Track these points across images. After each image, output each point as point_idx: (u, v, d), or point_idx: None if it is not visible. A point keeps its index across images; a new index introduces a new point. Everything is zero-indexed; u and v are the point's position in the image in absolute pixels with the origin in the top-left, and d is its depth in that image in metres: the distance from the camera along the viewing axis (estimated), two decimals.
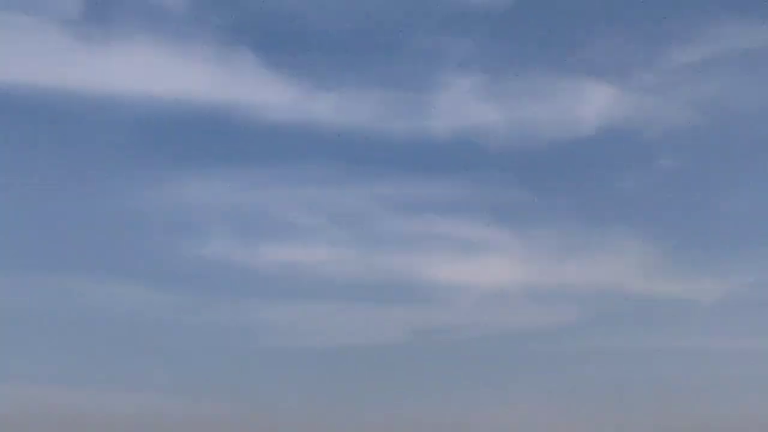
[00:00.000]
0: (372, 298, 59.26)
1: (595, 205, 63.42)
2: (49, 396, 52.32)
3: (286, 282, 60.80)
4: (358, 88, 63.31)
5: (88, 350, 58.13)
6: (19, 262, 62.24)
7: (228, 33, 62.36)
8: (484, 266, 61.52)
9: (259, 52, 60.77)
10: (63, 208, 65.06)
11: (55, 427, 47.29)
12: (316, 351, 57.12)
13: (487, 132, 64.08)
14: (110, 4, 63.60)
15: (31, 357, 56.38)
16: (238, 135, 62.58)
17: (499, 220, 63.80)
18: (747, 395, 52.47)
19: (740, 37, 62.18)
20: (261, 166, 62.50)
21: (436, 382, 55.67)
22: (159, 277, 60.99)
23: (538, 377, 56.25)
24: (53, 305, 61.10)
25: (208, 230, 62.75)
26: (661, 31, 63.85)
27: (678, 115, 62.52)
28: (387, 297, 59.51)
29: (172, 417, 51.07)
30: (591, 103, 62.84)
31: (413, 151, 63.25)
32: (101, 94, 62.32)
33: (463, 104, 63.02)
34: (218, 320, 59.65)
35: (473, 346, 58.38)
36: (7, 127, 64.13)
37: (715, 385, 53.63)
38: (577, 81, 63.17)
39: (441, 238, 61.40)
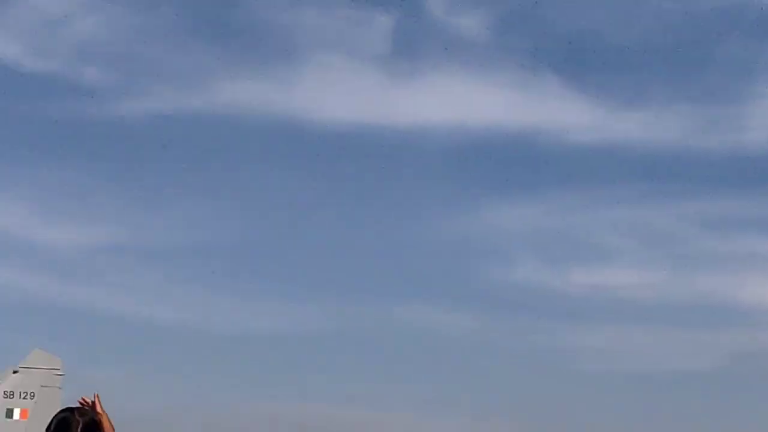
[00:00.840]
0: (685, 321, 57.79)
1: None
2: (376, 421, 54.62)
3: (597, 305, 60.42)
4: (666, 105, 61.89)
5: (406, 374, 60.32)
6: (341, 290, 65.63)
7: (529, 57, 62.66)
8: None
9: (561, 74, 60.76)
10: (380, 237, 67.99)
11: None
12: (631, 376, 56.31)
13: None
14: (416, 39, 65.65)
15: (354, 381, 59.27)
16: (544, 159, 62.76)
17: None
18: None
19: None
20: (568, 190, 62.40)
21: (757, 409, 53.37)
22: (470, 302, 62.44)
23: None
24: (374, 331, 63.97)
25: (517, 255, 63.35)
26: None
27: None
28: (701, 320, 57.85)
29: None
30: None
31: (726, 166, 61.06)
32: (412, 127, 64.59)
33: None
34: (530, 344, 60.12)
35: None
36: (328, 162, 67.88)
37: None
38: None
39: (758, 258, 58.93)
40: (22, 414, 30.65)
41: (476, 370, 59.23)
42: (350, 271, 66.42)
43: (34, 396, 30.82)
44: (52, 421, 6.71)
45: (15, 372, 31.23)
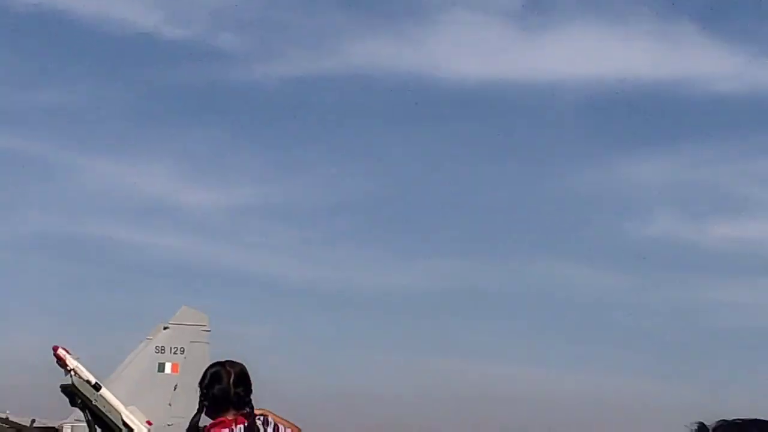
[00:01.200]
0: None
1: None
2: (503, 375, 54.91)
3: (737, 260, 59.27)
4: None
5: (538, 331, 60.25)
6: (475, 247, 65.70)
7: (666, 4, 61.35)
8: None
9: (699, 22, 59.17)
10: (514, 194, 67.70)
11: (506, 405, 49.69)
12: None
13: None
14: None
15: (491, 337, 59.53)
16: (683, 110, 61.59)
17: None
18: None
19: None
20: (707, 141, 61.21)
21: None
22: (604, 259, 61.84)
23: None
24: (509, 287, 63.90)
25: (654, 209, 62.51)
26: None
27: None
28: None
29: (618, 397, 51.81)
30: None
31: None
32: (545, 81, 63.96)
33: None
34: (666, 300, 59.44)
35: None
36: (461, 119, 67.74)
37: None
38: None
39: None
40: (173, 368, 31.91)
41: (612, 326, 58.90)
42: (484, 228, 66.44)
43: (183, 351, 32.03)
44: (205, 374, 7.01)
45: (165, 328, 32.48)
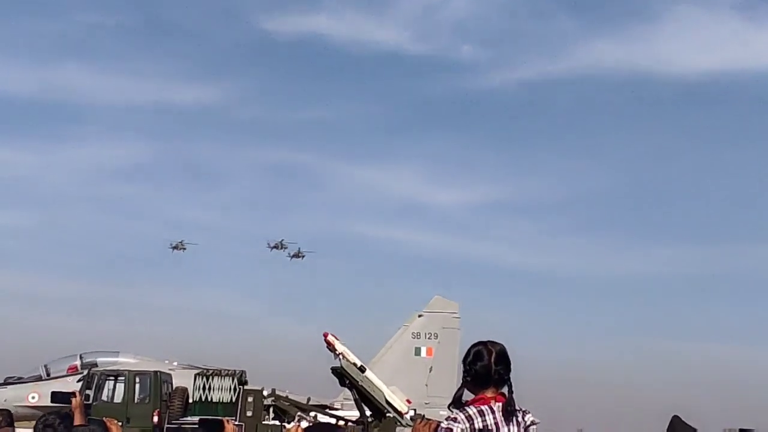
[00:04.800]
0: None
1: None
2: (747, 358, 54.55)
3: None
4: None
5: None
6: (706, 235, 65.41)
7: None
8: None
9: None
10: (744, 185, 66.80)
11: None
12: None
13: None
14: None
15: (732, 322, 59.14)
16: None
17: None
18: None
19: None
20: None
21: None
22: None
23: None
24: (745, 274, 63.22)
25: None
26: None
27: None
28: None
29: None
30: None
31: None
32: None
33: None
34: None
35: None
36: (691, 112, 67.47)
37: None
38: None
39: None
40: (428, 351, 33.94)
41: None
42: (712, 217, 66.14)
43: (437, 336, 34.01)
44: (468, 352, 7.06)
45: (420, 316, 34.57)
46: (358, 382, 25.52)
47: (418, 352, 33.89)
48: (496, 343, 7.06)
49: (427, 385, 32.72)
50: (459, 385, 7.06)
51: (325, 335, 25.49)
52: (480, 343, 7.05)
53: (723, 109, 66.43)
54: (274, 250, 53.13)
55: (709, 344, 59.38)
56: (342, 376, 25.55)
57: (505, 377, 6.97)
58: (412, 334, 34.27)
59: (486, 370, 6.92)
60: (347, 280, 68.84)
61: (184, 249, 53.79)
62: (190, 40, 75.30)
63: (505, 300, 66.67)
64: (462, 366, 7.07)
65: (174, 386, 26.99)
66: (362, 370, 25.74)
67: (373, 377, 26.05)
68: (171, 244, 53.74)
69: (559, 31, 71.00)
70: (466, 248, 69.29)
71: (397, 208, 72.92)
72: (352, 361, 25.60)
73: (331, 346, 25.41)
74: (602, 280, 66.50)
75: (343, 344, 25.59)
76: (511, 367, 7.02)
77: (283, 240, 52.79)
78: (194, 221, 69.72)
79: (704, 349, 57.96)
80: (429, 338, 34.01)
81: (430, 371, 33.40)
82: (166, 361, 31.18)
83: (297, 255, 52.93)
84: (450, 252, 69.72)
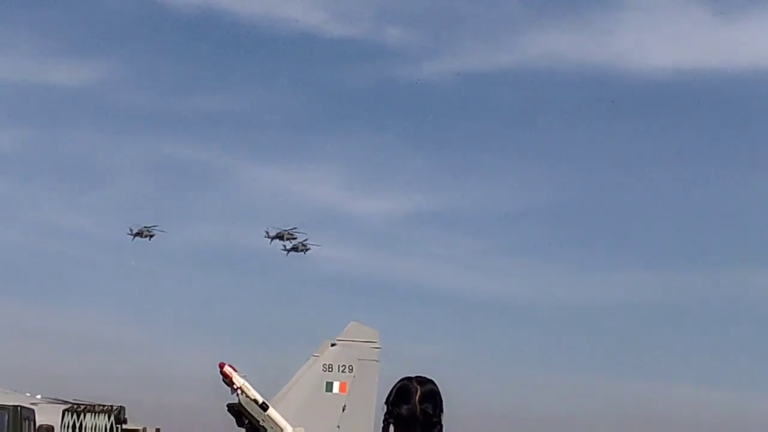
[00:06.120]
0: None
1: None
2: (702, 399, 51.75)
3: None
4: None
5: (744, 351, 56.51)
6: (677, 256, 62.11)
7: None
8: None
9: None
10: (718, 196, 63.69)
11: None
12: None
13: None
14: None
15: (690, 357, 56.29)
16: None
17: None
18: None
19: None
20: None
21: None
22: None
23: None
24: (717, 301, 60.13)
25: None
26: None
27: None
28: None
29: None
30: None
31: None
32: (751, 68, 59.99)
33: None
34: None
35: None
36: (654, 114, 64.13)
37: None
38: None
39: None
40: (341, 387, 31.40)
41: None
42: (686, 235, 62.67)
43: (352, 369, 31.50)
44: (391, 390, 6.68)
45: (333, 345, 32.04)
46: (258, 421, 23.48)
47: (329, 387, 31.21)
48: (424, 379, 6.64)
49: (339, 427, 30.48)
50: (381, 429, 6.62)
51: (221, 366, 23.35)
52: (406, 378, 6.66)
53: (691, 112, 63.24)
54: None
55: (658, 383, 56.41)
56: (240, 414, 23.64)
57: (434, 420, 6.53)
58: (324, 366, 31.49)
59: (411, 411, 6.49)
60: (248, 302, 64.39)
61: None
62: (66, 8, 69.36)
63: (435, 329, 62.78)
64: (384, 406, 6.64)
65: (38, 424, 24.83)
66: (264, 407, 23.57)
67: (276, 416, 23.87)
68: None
69: (506, 16, 67.08)
70: (389, 267, 65.47)
71: (309, 218, 68.24)
72: (253, 397, 23.49)
73: (228, 379, 23.31)
74: (553, 309, 63.08)
75: (242, 377, 23.52)
76: (443, 407, 6.59)
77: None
78: (67, 226, 64.68)
79: (657, 388, 54.99)
80: (343, 371, 31.28)
81: (344, 410, 30.80)
82: (28, 394, 28.82)
83: None
84: (370, 271, 65.85)
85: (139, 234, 49.83)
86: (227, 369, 23.66)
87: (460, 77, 67.19)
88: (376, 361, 31.39)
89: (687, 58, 62.48)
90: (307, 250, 49.10)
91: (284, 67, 71.05)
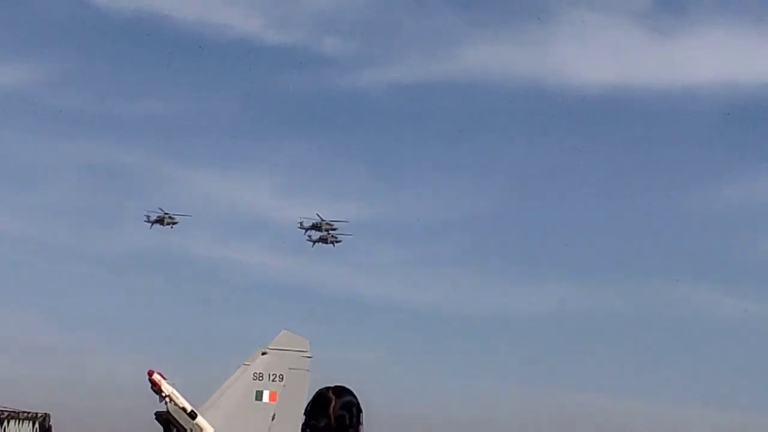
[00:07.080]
0: None
1: None
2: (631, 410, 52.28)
3: None
4: None
5: (667, 360, 57.26)
6: (600, 269, 62.99)
7: None
8: None
9: None
10: (642, 210, 64.76)
11: None
12: None
13: None
14: None
15: (616, 368, 56.83)
16: None
17: None
18: None
19: None
20: None
21: None
22: (735, 280, 58.77)
23: None
24: (636, 314, 60.98)
25: None
26: None
27: None
28: None
29: None
30: None
31: None
32: (679, 87, 61.26)
33: None
34: None
35: None
36: (585, 129, 64.90)
37: None
38: None
39: None
40: (271, 396, 30.96)
41: (751, 358, 55.78)
42: (609, 248, 63.55)
43: (282, 378, 31.06)
44: (310, 401, 6.71)
45: (263, 353, 31.56)
46: (186, 430, 23.53)
47: (259, 396, 30.71)
48: (343, 389, 6.55)
49: None
50: None
51: (150, 373, 23.33)
52: (324, 388, 6.60)
53: (620, 127, 64.19)
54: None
55: (572, 392, 57.00)
56: (168, 422, 23.62)
57: (350, 430, 6.42)
58: (254, 374, 31.01)
59: (327, 422, 6.40)
60: (177, 309, 63.79)
61: None
62: None
63: (367, 338, 62.87)
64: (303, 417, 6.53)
65: None
66: (192, 416, 23.58)
67: (205, 425, 23.99)
68: None
69: (442, 27, 67.36)
70: (322, 276, 65.30)
71: (241, 224, 67.93)
72: (181, 405, 23.53)
73: (156, 387, 23.35)
74: (486, 320, 63.42)
75: (170, 384, 23.60)
76: (360, 418, 6.46)
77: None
78: None
79: (573, 397, 55.51)
80: (273, 380, 30.88)
81: (273, 419, 30.31)
82: None
83: None
84: (303, 279, 65.55)
85: (160, 221, 48.64)
86: (156, 377, 23.39)
87: (395, 87, 67.59)
88: (307, 370, 31.08)
89: (619, 74, 63.43)
90: None
91: (220, 72, 70.81)
